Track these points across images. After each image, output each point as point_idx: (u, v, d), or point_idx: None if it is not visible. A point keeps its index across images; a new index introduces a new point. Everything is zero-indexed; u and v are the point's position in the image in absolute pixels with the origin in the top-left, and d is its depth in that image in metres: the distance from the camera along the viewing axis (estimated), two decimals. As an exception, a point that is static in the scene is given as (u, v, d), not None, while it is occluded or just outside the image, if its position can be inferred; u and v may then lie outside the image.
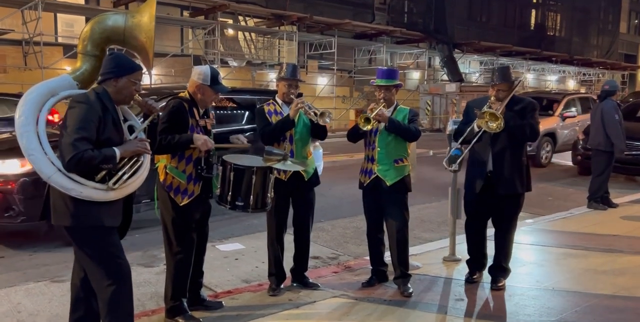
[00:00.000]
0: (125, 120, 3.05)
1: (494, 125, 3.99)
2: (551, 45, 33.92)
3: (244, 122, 7.10)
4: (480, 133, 4.19)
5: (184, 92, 3.68)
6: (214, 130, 3.79)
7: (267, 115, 4.13)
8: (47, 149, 2.81)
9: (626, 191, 9.01)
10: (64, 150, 2.68)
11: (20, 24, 15.57)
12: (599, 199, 7.51)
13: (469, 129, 4.28)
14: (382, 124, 4.10)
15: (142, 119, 3.17)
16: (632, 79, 40.93)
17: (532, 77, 33.26)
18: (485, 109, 4.10)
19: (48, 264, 5.02)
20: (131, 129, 3.05)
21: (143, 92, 3.19)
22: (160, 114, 3.26)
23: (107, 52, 3.10)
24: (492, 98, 4.21)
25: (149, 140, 3.04)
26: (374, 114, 4.02)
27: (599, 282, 4.52)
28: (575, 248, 5.52)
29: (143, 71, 3.06)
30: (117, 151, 2.79)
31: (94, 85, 2.98)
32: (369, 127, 4.05)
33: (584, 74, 36.32)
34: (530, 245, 5.59)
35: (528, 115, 4.19)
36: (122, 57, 2.97)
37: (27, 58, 16.20)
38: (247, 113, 7.15)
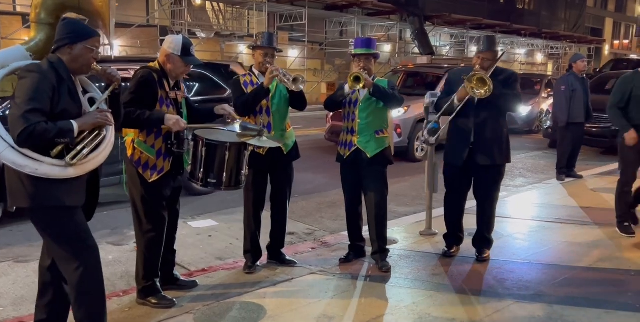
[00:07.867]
0: (86, 92, 2.81)
1: (482, 91, 3.90)
2: (520, 18, 33.97)
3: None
4: (461, 106, 4.10)
5: (154, 62, 3.47)
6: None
7: (242, 86, 3.95)
8: None
9: (595, 163, 9.13)
10: (14, 124, 2.44)
11: (-25, -8, 14.82)
12: (565, 170, 7.66)
13: (448, 102, 4.18)
14: (363, 93, 3.96)
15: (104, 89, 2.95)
16: (597, 52, 41.48)
17: (501, 51, 33.31)
18: (473, 72, 3.99)
19: (11, 243, 4.80)
20: (92, 102, 2.81)
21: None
22: (129, 84, 3.03)
23: (61, 19, 2.84)
24: (477, 67, 4.12)
25: (110, 110, 2.81)
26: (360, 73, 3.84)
27: (575, 255, 4.55)
28: (548, 221, 5.55)
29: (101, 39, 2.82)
30: (75, 124, 2.55)
31: (49, 55, 2.74)
32: (360, 85, 3.87)
33: (552, 48, 36.65)
34: (504, 218, 5.59)
35: (511, 86, 4.15)
36: (77, 22, 2.73)
37: (-16, 28, 15.47)
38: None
